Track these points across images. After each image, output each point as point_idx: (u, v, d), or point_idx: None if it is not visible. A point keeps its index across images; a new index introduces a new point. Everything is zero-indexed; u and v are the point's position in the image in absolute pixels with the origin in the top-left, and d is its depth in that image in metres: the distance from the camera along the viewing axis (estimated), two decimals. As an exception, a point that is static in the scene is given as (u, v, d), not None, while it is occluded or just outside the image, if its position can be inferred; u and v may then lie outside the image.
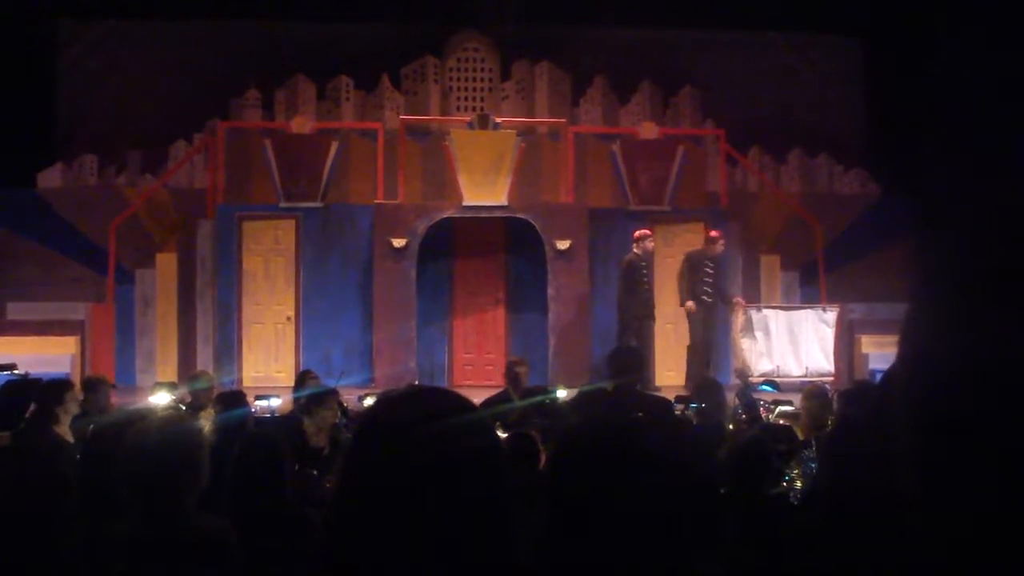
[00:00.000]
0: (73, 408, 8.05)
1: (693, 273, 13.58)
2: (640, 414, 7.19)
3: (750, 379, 13.38)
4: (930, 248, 1.09)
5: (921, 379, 1.07)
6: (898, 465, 1.09)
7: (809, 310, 14.33)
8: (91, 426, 5.27)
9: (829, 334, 14.06)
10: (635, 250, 13.38)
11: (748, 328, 13.86)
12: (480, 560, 1.46)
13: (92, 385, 9.30)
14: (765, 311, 14.10)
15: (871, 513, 2.89)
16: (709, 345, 13.64)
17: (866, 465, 3.10)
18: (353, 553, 1.47)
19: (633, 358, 8.58)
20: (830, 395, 8.40)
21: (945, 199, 1.08)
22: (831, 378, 13.16)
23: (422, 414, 1.53)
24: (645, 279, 13.34)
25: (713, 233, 13.86)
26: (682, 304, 13.63)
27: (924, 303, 1.09)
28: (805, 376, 13.41)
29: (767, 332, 13.88)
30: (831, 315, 14.16)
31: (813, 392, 8.41)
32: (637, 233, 13.54)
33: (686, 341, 14.06)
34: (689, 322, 13.60)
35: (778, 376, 13.60)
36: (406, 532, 1.44)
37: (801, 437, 7.47)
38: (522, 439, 5.76)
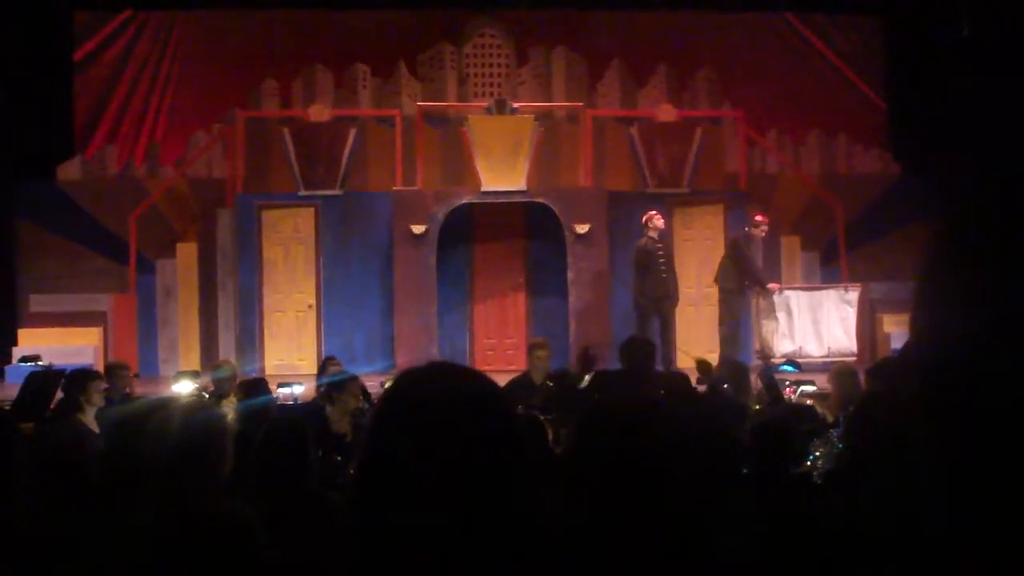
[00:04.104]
0: (98, 399, 8.11)
1: (752, 258, 13.51)
2: (662, 392, 7.21)
3: (772, 360, 13.34)
4: (939, 225, 1.10)
5: (931, 353, 1.08)
6: (915, 439, 1.10)
7: (831, 290, 14.24)
8: (114, 415, 5.31)
9: (851, 314, 13.97)
10: (649, 234, 13.24)
11: (769, 309, 13.79)
12: (502, 529, 1.47)
13: (108, 372, 9.39)
14: (787, 292, 14.02)
15: (890, 489, 2.89)
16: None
17: (885, 442, 3.09)
18: (376, 525, 1.48)
19: (645, 347, 8.54)
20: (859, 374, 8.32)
21: (957, 179, 1.09)
22: (854, 358, 13.09)
23: (442, 386, 1.55)
24: (662, 261, 13.20)
25: (759, 217, 13.73)
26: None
27: (933, 279, 1.10)
28: (827, 356, 13.35)
29: (789, 313, 13.81)
30: (853, 295, 14.06)
31: (842, 371, 8.34)
32: (644, 217, 13.39)
33: (706, 323, 13.98)
34: (737, 306, 13.48)
35: (800, 357, 13.54)
36: (429, 503, 1.46)
37: (830, 417, 7.43)
38: (528, 420, 5.86)
